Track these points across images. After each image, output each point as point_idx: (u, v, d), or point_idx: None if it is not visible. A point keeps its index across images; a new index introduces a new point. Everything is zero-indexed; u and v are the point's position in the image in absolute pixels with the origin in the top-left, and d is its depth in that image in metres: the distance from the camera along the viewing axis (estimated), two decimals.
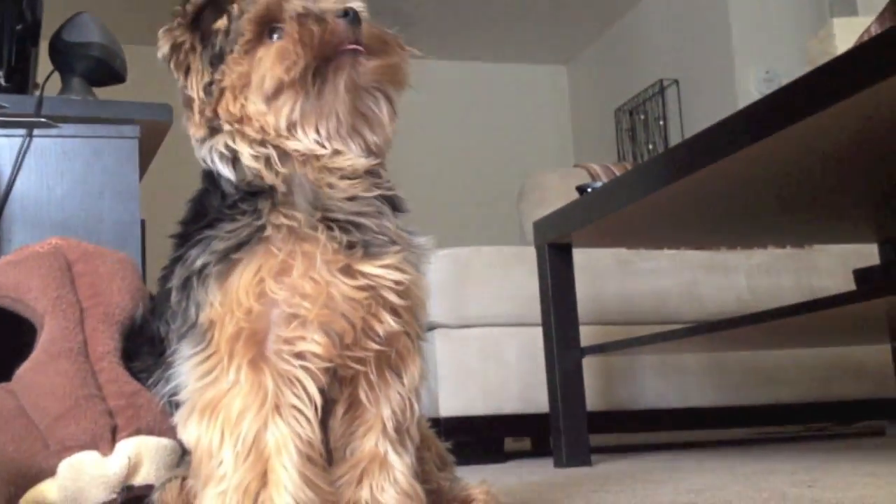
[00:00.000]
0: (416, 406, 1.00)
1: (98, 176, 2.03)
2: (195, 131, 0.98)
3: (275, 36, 0.96)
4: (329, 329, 0.91)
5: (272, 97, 0.94)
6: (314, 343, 0.90)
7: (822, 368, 2.79)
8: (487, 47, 5.92)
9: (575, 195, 2.33)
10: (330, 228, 0.93)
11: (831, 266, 2.79)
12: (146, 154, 2.18)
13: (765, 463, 1.90)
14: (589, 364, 2.35)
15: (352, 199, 0.96)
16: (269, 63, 0.94)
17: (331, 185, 0.95)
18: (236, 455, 0.87)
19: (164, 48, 0.98)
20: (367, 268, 0.93)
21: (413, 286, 0.96)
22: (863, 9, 3.77)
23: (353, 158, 0.96)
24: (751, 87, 4.43)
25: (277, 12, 0.96)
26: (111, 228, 2.02)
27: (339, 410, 0.97)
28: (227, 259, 0.91)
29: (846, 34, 1.82)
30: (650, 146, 5.25)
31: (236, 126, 0.96)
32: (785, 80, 1.38)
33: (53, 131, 2.01)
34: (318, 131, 0.95)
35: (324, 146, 0.95)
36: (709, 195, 1.77)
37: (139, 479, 0.97)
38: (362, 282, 0.92)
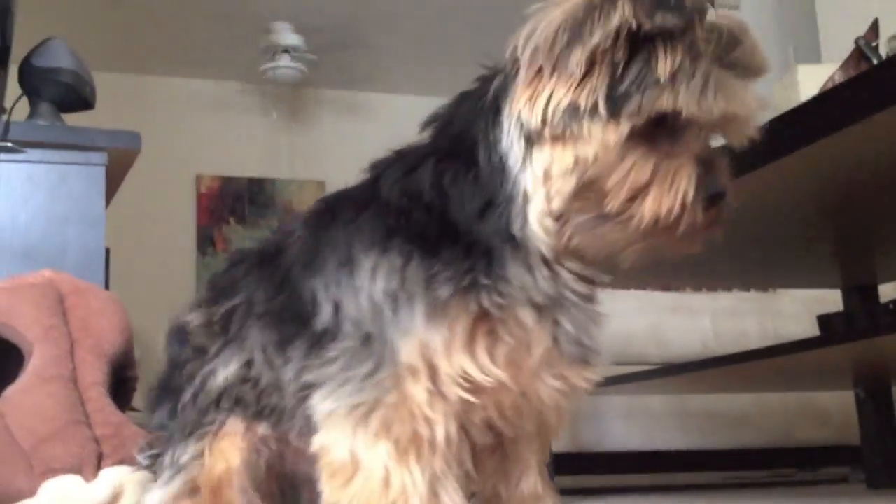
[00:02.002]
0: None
1: (63, 202, 2.01)
2: (529, 106, 0.79)
3: (667, 131, 0.77)
4: (503, 414, 0.89)
5: (580, 194, 0.79)
6: (483, 411, 0.87)
7: (785, 414, 2.79)
8: (453, 82, 5.95)
9: None
10: (556, 324, 0.86)
11: (795, 311, 2.80)
12: (113, 181, 2.16)
13: None
14: None
15: (578, 300, 0.87)
16: (623, 188, 0.77)
17: (566, 283, 0.86)
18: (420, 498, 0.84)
19: (611, 23, 0.73)
20: (576, 377, 0.89)
21: None
22: (826, 56, 3.84)
23: (581, 269, 0.87)
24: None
25: (688, 131, 0.77)
26: (75, 256, 1.99)
27: (486, 451, 0.96)
28: (465, 307, 0.82)
29: (810, 81, 1.85)
30: None
31: (545, 174, 0.80)
32: None
33: (20, 156, 1.98)
34: (574, 248, 0.84)
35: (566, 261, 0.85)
36: None
37: None
38: (564, 387, 0.89)
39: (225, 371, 0.97)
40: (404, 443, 0.83)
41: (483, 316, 0.83)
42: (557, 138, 0.78)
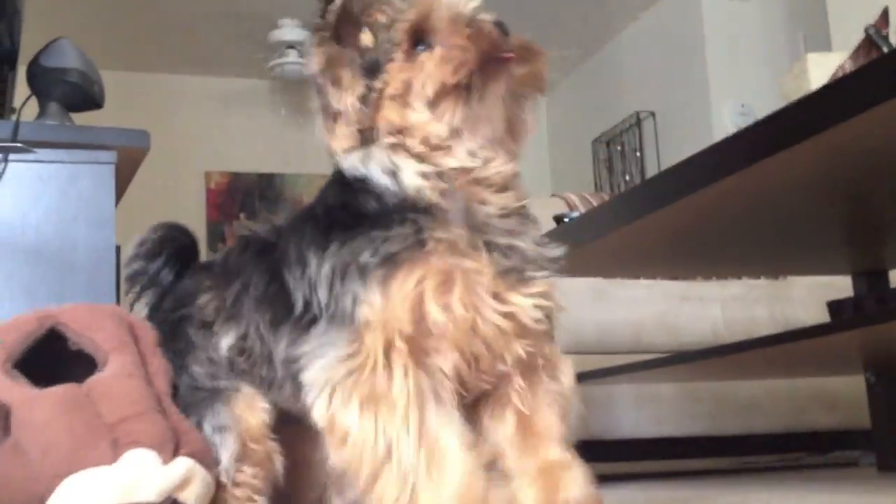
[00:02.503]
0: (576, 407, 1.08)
1: (73, 201, 2.02)
2: (340, 143, 0.99)
3: (422, 46, 0.97)
4: (466, 351, 0.95)
5: (434, 102, 0.96)
6: (447, 361, 0.94)
7: (795, 399, 2.80)
8: None
9: (552, 224, 2.34)
10: (489, 251, 0.96)
11: (805, 297, 2.81)
12: (122, 180, 2.17)
13: (739, 495, 1.90)
14: None
15: (505, 215, 0.99)
16: (434, 67, 0.96)
17: (484, 201, 0.98)
18: (417, 451, 0.89)
19: (319, 62, 0.98)
20: (517, 297, 0.96)
21: (553, 309, 1.01)
22: (837, 45, 3.83)
23: (501, 165, 0.99)
24: (726, 121, 4.48)
25: (430, 20, 0.98)
26: (86, 254, 2.00)
27: (509, 425, 1.02)
28: (392, 262, 0.93)
29: (820, 70, 1.85)
30: (627, 177, 5.28)
31: (397, 138, 0.98)
32: (760, 115, 1.40)
33: (29, 156, 1.99)
34: (475, 138, 0.97)
35: (476, 156, 0.98)
36: (684, 226, 1.78)
37: (184, 496, 1.02)
38: (509, 309, 0.96)
39: (226, 340, 1.11)
40: (373, 395, 0.91)
41: (422, 261, 0.93)
42: (374, 118, 0.97)
